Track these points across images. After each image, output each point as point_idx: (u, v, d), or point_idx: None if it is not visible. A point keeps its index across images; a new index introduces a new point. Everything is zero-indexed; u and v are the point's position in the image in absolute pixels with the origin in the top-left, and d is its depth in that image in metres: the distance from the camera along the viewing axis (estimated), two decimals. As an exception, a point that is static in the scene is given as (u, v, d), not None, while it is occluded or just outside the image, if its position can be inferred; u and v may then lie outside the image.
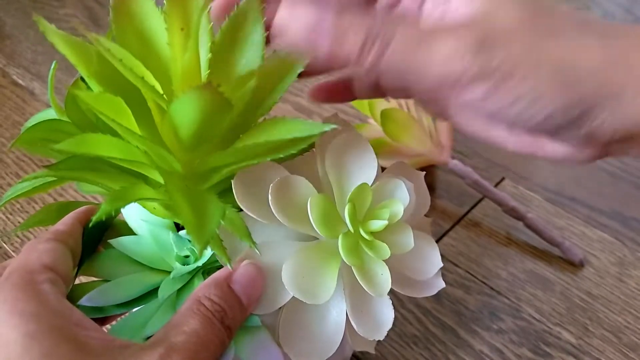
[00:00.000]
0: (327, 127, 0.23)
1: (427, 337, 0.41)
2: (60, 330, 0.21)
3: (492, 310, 0.43)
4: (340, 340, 0.27)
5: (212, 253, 0.27)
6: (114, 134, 0.23)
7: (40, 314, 0.21)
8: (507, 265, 0.46)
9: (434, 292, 0.30)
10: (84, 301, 0.26)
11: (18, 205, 0.50)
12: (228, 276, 0.25)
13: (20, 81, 0.65)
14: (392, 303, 0.28)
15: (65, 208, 0.28)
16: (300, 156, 0.28)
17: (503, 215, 0.49)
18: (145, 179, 0.26)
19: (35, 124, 0.25)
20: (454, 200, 0.52)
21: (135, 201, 0.25)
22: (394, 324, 0.27)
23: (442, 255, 0.46)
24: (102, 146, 0.23)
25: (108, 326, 0.28)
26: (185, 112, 0.21)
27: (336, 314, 0.27)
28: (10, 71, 0.66)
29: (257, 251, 0.25)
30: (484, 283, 0.45)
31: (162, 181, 0.25)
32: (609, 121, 0.23)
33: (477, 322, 0.42)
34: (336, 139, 0.28)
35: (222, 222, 0.24)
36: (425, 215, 0.33)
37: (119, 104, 0.23)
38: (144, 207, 0.27)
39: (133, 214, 0.29)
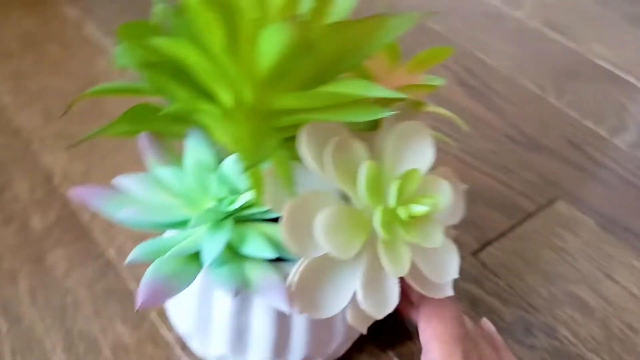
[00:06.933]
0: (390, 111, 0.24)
1: (457, 342, 0.40)
2: None
3: (527, 325, 0.42)
4: (345, 304, 0.28)
5: (245, 200, 0.28)
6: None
7: None
8: (548, 284, 0.45)
9: (440, 296, 0.31)
10: (120, 214, 0.28)
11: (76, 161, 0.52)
12: None
13: (94, 36, 0.67)
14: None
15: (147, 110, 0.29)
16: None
17: (554, 234, 0.48)
18: (216, 98, 0.26)
19: (136, 22, 0.26)
20: (503, 211, 0.51)
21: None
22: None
23: (483, 263, 0.46)
24: (189, 53, 0.24)
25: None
26: (271, 42, 0.22)
27: (349, 281, 0.28)
28: (85, 25, 0.69)
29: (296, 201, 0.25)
30: (523, 298, 0.44)
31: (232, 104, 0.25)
32: None
33: (510, 334, 0.41)
34: (402, 124, 0.29)
35: (272, 164, 0.25)
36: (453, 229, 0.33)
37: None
38: (209, 130, 0.28)
39: (190, 149, 0.30)
